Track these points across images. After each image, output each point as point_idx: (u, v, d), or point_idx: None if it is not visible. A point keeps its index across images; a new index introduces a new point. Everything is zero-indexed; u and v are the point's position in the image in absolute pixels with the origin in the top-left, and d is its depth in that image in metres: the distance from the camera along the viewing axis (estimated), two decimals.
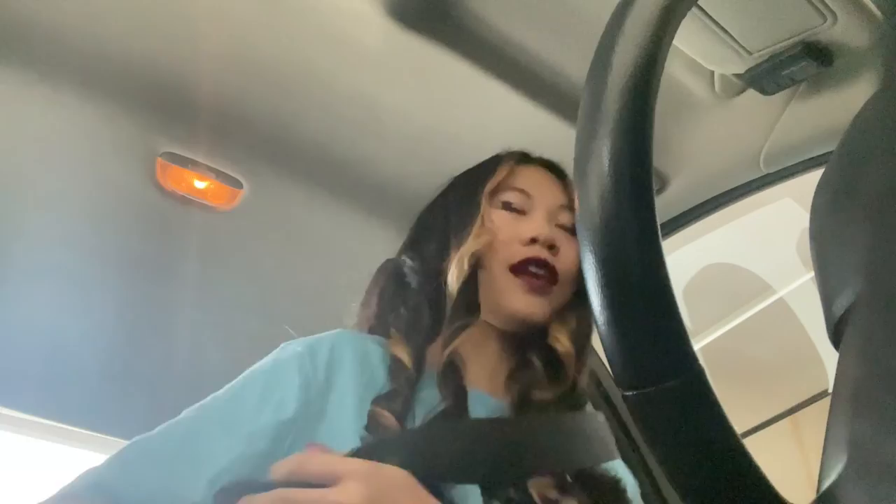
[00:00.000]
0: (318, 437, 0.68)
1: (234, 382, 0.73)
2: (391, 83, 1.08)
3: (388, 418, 0.68)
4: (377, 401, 0.70)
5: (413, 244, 0.87)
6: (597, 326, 0.33)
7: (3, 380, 1.48)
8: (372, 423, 0.68)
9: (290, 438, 0.68)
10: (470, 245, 0.77)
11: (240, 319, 1.46)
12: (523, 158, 0.88)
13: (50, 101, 1.09)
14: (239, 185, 1.25)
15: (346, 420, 0.69)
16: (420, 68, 1.04)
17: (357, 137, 1.17)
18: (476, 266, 0.77)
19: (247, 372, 0.74)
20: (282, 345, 0.76)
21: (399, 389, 0.71)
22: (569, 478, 0.69)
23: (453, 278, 0.77)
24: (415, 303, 0.80)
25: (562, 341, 0.78)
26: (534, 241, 0.78)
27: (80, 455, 1.74)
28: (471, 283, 0.77)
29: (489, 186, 0.82)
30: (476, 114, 1.12)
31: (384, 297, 0.84)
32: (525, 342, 0.80)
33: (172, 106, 1.11)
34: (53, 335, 1.44)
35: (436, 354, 0.76)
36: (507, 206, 0.82)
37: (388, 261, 0.88)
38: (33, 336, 1.43)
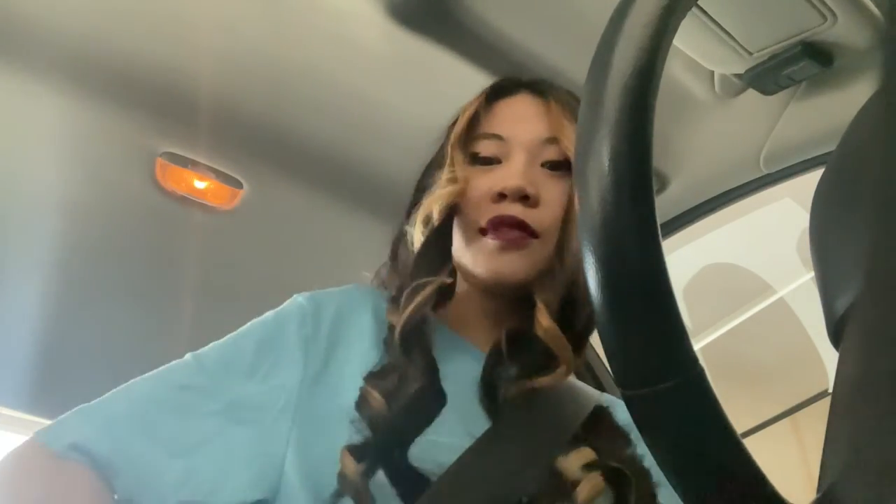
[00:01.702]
0: (313, 401, 0.64)
1: (236, 333, 0.69)
2: (391, 83, 1.08)
3: (377, 399, 0.62)
4: (369, 378, 0.64)
5: (410, 208, 0.79)
6: (597, 326, 0.33)
7: (3, 379, 1.48)
8: (361, 402, 0.62)
9: (281, 401, 0.63)
10: (432, 199, 0.69)
11: (239, 319, 1.46)
12: (495, 92, 0.76)
13: (50, 102, 1.09)
14: (239, 185, 1.25)
15: (342, 389, 0.64)
16: (420, 68, 1.04)
17: (357, 137, 1.17)
18: (445, 222, 0.70)
19: (250, 324, 0.70)
20: (293, 296, 0.71)
21: (394, 363, 0.65)
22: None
23: (415, 235, 0.70)
24: (410, 266, 0.73)
25: (541, 321, 0.65)
26: (503, 196, 0.67)
27: None
28: (436, 240, 0.69)
29: (454, 135, 0.73)
30: None
31: (388, 265, 0.79)
32: (524, 304, 0.68)
33: (172, 106, 1.11)
34: (53, 335, 1.44)
35: (443, 317, 0.71)
36: (476, 159, 0.72)
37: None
38: (32, 335, 1.43)
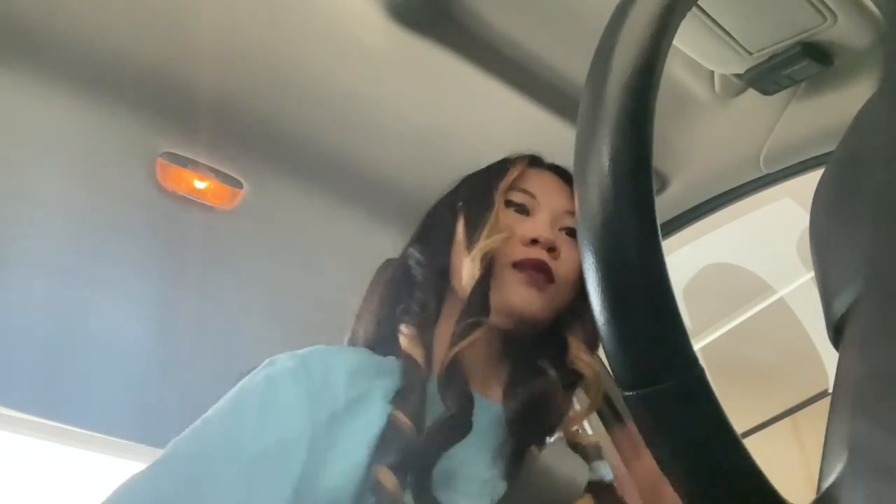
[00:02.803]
0: (333, 446, 0.66)
1: (224, 404, 0.69)
2: (391, 83, 1.08)
3: (405, 422, 0.67)
4: (394, 401, 0.70)
5: (420, 239, 0.88)
6: (597, 326, 0.33)
7: (3, 379, 1.48)
8: (390, 428, 0.67)
9: (298, 453, 0.65)
10: (487, 242, 0.77)
11: (239, 319, 1.46)
12: (533, 162, 0.89)
13: (50, 102, 1.09)
14: (239, 185, 1.25)
15: (359, 427, 0.68)
16: (420, 68, 1.04)
17: (357, 137, 1.17)
18: (489, 264, 0.77)
19: (236, 390, 0.70)
20: (267, 360, 0.73)
21: (412, 385, 0.71)
22: None
23: (467, 276, 0.77)
24: (422, 297, 0.81)
25: (584, 359, 0.79)
26: (535, 242, 0.79)
27: (75, 455, 1.75)
28: (484, 281, 0.76)
29: (503, 186, 0.83)
30: (476, 114, 1.12)
31: (391, 292, 0.85)
32: (532, 346, 0.80)
33: (172, 106, 1.11)
34: (53, 335, 1.44)
35: (437, 353, 0.77)
36: (511, 205, 0.83)
37: (388, 259, 0.88)
38: (33, 336, 1.43)
